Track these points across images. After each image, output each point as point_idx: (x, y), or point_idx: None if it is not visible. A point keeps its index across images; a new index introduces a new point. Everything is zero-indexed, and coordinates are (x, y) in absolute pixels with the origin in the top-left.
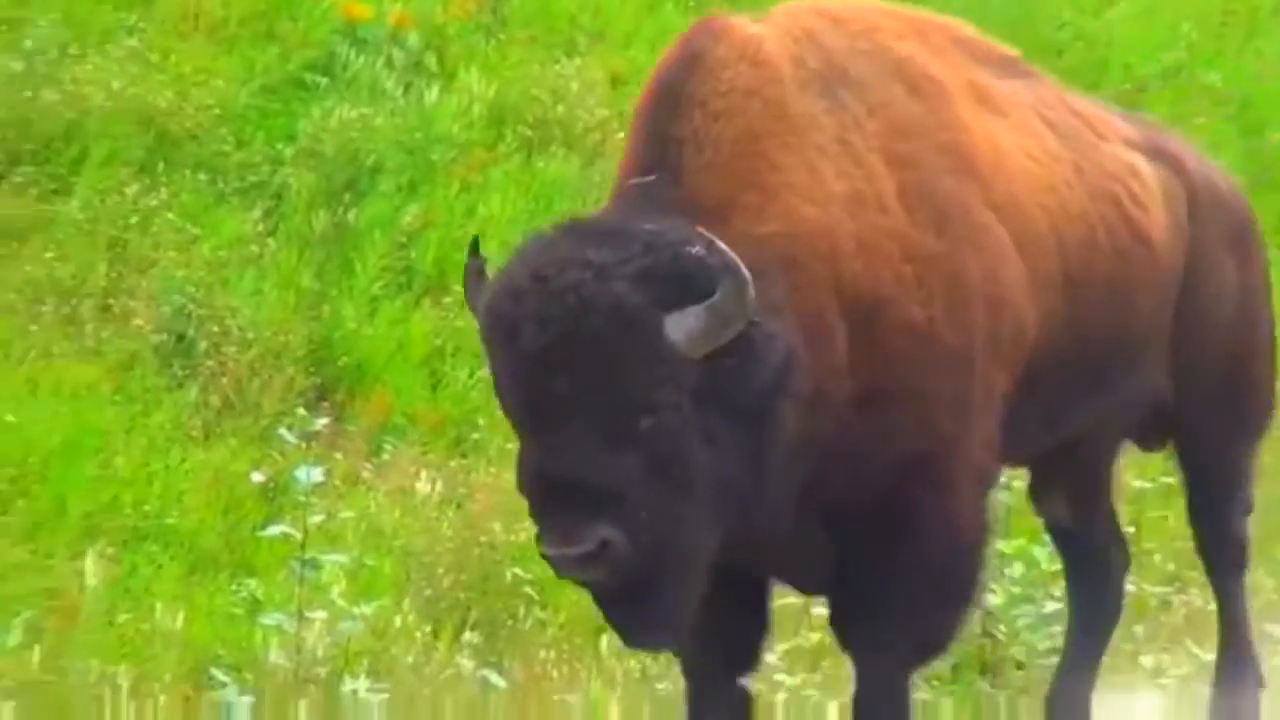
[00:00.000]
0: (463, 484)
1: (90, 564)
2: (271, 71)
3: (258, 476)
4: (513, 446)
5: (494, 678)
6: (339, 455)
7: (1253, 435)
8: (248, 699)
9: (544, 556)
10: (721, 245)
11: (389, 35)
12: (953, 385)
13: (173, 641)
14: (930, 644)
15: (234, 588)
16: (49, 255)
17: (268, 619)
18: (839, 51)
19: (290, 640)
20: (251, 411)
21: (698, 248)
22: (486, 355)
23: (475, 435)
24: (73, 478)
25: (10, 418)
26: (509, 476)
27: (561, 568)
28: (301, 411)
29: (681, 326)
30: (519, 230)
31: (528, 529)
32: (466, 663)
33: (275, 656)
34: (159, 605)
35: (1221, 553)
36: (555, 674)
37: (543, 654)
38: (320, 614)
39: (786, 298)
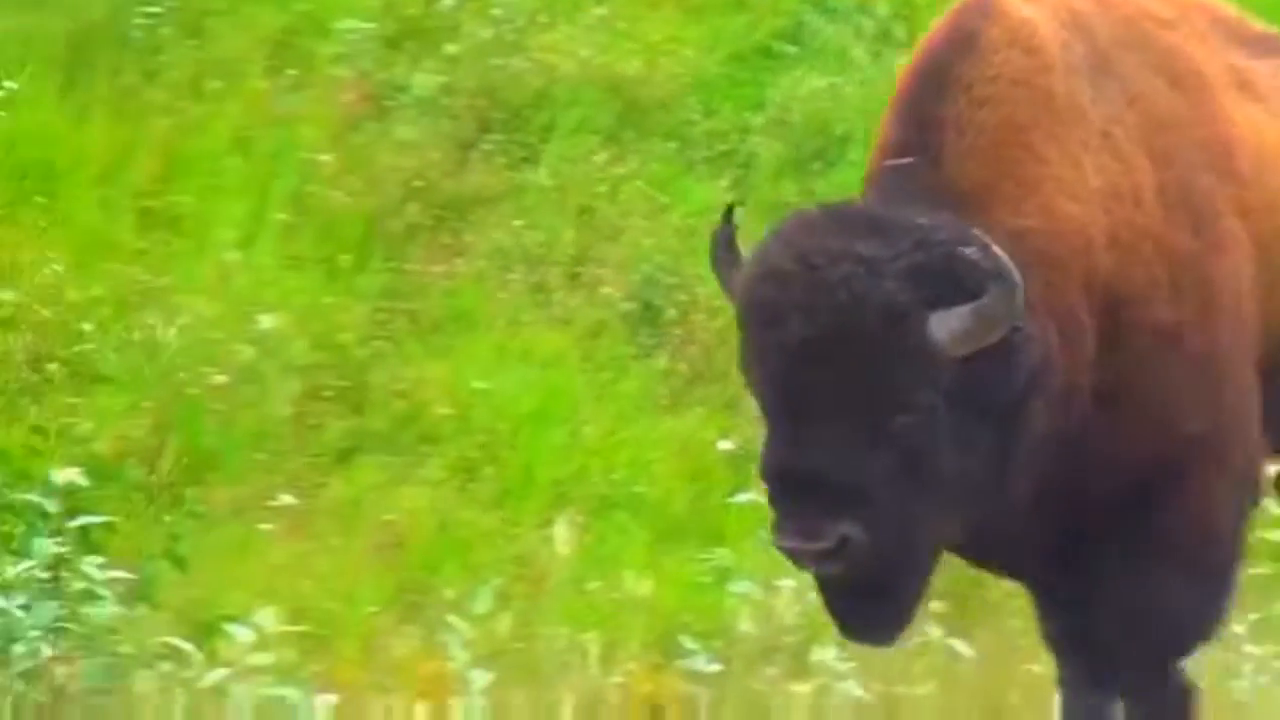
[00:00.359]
0: None
1: (559, 531)
2: (739, 40)
3: (726, 445)
4: None
5: (960, 646)
6: None
7: None
8: (717, 667)
9: (779, 548)
10: (996, 250)
11: (857, 4)
12: (1197, 388)
13: (642, 609)
14: (1184, 639)
15: (703, 556)
16: (518, 223)
17: (737, 587)
18: (1105, 39)
19: (760, 609)
20: (719, 380)
21: (973, 248)
22: (741, 334)
23: None
24: (541, 445)
25: (480, 384)
26: None
27: (799, 562)
28: None
29: (945, 326)
30: None
31: None
32: (934, 631)
33: (744, 625)
34: (627, 573)
35: None
36: (1023, 644)
37: (1011, 623)
38: (789, 583)
39: (1041, 294)
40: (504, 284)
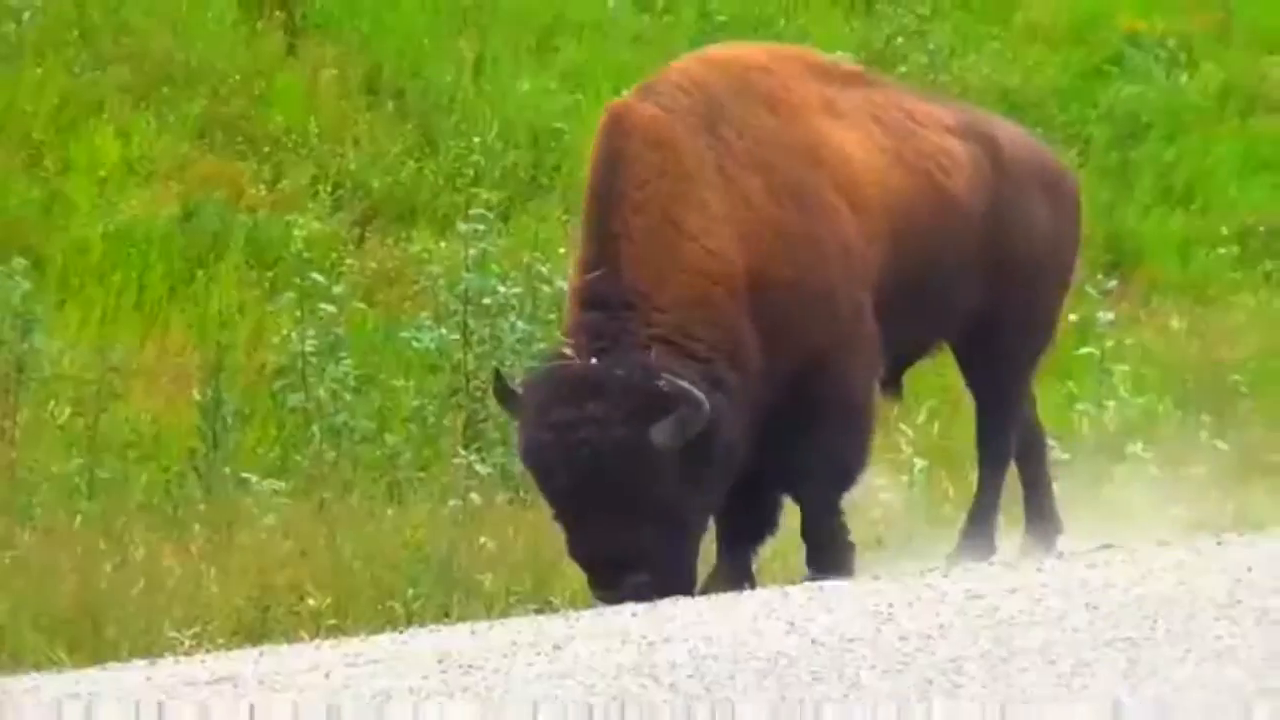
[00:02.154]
0: (1200, 321)
1: None
2: (1082, 63)
3: (1073, 318)
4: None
5: (1220, 445)
6: (1124, 304)
7: (1037, 351)
8: (1066, 456)
9: (598, 599)
10: (679, 382)
11: (1155, 40)
12: (820, 313)
13: None
14: (841, 478)
15: (1058, 387)
16: None
17: (1080, 407)
18: (720, 90)
19: (1094, 420)
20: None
21: (663, 381)
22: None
23: (1211, 291)
24: None
25: None
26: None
27: (612, 604)
28: (1100, 276)
29: (663, 433)
30: None
31: None
32: (1204, 434)
33: (1085, 430)
34: None
35: (999, 440)
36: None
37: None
38: (1112, 403)
39: (707, 333)
40: None
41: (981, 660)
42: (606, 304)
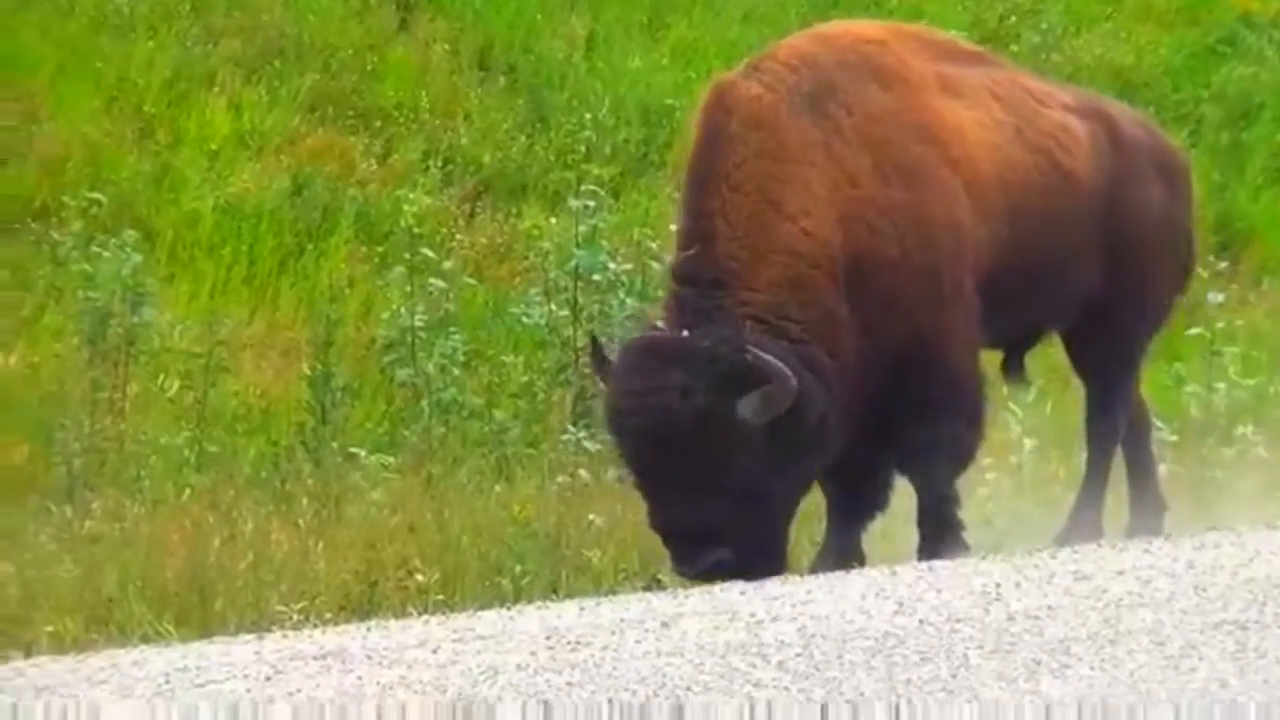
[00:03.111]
0: None
1: None
2: (1196, 44)
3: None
4: None
5: None
6: (1234, 285)
7: (1150, 334)
8: (1175, 438)
9: (676, 574)
10: (765, 355)
11: (1269, 21)
12: (925, 291)
13: None
14: (962, 450)
15: (1166, 368)
16: None
17: (1189, 388)
18: (828, 66)
19: (1203, 402)
20: None
21: (750, 355)
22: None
23: None
24: None
25: None
26: None
27: (690, 579)
28: (1210, 257)
29: (749, 407)
30: None
31: None
32: None
33: (1194, 411)
34: None
35: (1109, 422)
36: None
37: None
38: (1221, 385)
39: (802, 315)
40: None
41: (1089, 641)
42: (698, 281)
